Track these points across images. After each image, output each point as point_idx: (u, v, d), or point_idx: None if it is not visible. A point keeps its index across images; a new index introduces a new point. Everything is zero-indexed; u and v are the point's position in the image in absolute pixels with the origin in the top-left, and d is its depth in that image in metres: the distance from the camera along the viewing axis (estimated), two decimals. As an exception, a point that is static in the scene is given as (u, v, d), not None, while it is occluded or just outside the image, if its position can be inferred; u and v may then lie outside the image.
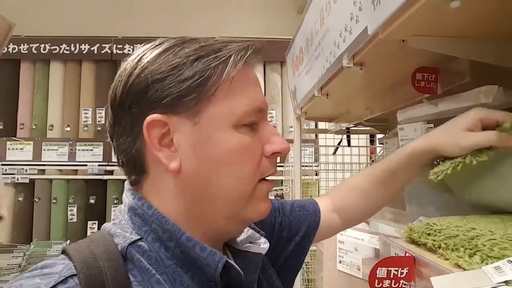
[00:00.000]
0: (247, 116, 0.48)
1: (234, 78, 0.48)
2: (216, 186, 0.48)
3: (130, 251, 0.45)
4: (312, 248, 1.68)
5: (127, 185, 0.52)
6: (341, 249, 1.08)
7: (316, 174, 2.22)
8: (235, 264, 0.48)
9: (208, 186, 0.47)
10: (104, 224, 0.50)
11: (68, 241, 2.49)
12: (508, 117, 0.53)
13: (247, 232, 0.56)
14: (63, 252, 0.45)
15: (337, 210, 0.74)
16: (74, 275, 0.41)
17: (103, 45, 2.73)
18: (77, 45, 2.71)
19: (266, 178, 0.51)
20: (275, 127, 2.73)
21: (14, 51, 2.71)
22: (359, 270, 1.01)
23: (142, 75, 0.47)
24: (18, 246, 2.42)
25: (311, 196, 2.13)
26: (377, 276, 0.45)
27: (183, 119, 0.47)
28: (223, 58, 0.47)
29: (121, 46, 2.73)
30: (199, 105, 0.47)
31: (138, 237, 0.46)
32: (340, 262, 1.08)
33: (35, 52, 2.72)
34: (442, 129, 0.61)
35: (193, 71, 0.46)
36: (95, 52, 2.72)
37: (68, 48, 2.71)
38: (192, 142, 0.47)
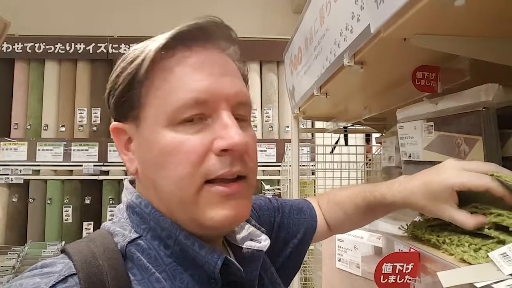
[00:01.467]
0: (180, 111, 0.44)
1: (161, 73, 0.46)
2: (160, 189, 0.46)
3: (130, 249, 0.45)
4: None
5: (126, 183, 0.53)
6: (340, 247, 1.08)
7: (313, 173, 2.23)
8: (234, 261, 0.48)
9: (156, 190, 0.47)
10: (104, 223, 0.50)
11: (63, 242, 2.47)
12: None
13: (248, 229, 0.56)
14: (63, 251, 0.45)
15: (325, 219, 0.76)
16: (74, 274, 0.41)
17: (98, 45, 2.70)
18: (72, 44, 2.69)
19: (222, 179, 0.45)
20: (271, 127, 2.73)
21: (8, 50, 2.67)
22: (359, 268, 1.01)
23: (108, 84, 0.50)
24: (12, 248, 2.39)
25: (307, 195, 2.14)
26: (383, 272, 0.45)
27: (131, 125, 0.49)
28: (143, 55, 0.47)
29: (116, 45, 2.71)
30: (136, 110, 0.48)
31: (137, 235, 0.47)
32: (339, 260, 1.09)
33: (29, 51, 2.69)
34: (423, 193, 0.54)
35: (121, 78, 0.48)
36: (91, 51, 2.70)
37: (63, 47, 2.69)
38: (138, 146, 0.49)
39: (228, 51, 0.51)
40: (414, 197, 0.55)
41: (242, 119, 0.49)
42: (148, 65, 0.46)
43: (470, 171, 0.50)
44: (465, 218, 0.49)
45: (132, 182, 0.53)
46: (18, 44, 2.68)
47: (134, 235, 0.46)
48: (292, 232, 0.70)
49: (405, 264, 0.46)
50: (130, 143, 0.50)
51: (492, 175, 0.47)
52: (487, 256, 0.39)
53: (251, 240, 0.54)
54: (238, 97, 0.47)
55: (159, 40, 0.47)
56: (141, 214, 0.48)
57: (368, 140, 2.11)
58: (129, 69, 0.47)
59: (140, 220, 0.48)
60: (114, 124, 0.50)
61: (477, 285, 0.32)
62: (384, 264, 0.45)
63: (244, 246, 0.53)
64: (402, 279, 0.46)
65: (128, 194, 0.50)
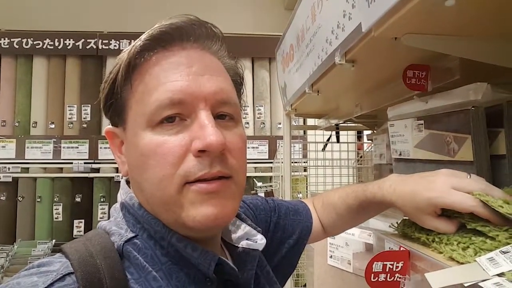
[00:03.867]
0: (157, 113, 0.44)
1: (139, 76, 0.46)
2: (144, 191, 0.47)
3: (127, 248, 0.45)
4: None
5: (123, 182, 0.53)
6: (331, 244, 1.09)
7: (305, 170, 2.24)
8: (228, 261, 0.48)
9: (142, 191, 0.47)
10: (100, 222, 0.50)
11: (54, 241, 2.44)
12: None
13: (244, 228, 0.56)
14: (60, 250, 0.45)
15: (320, 220, 0.76)
16: (72, 273, 0.41)
17: (88, 40, 2.66)
18: (61, 40, 2.64)
19: (205, 179, 0.44)
20: (263, 123, 2.73)
21: (-6, 46, 2.62)
22: (350, 264, 1.02)
23: (100, 90, 0.51)
24: (1, 247, 2.36)
25: (299, 192, 2.15)
26: (373, 270, 0.46)
27: (120, 128, 0.50)
28: (121, 60, 0.48)
29: (107, 41, 2.66)
30: (122, 114, 0.49)
31: (133, 234, 0.47)
32: (331, 257, 1.09)
33: (16, 46, 2.63)
34: (409, 201, 0.54)
35: (106, 83, 0.49)
36: (80, 47, 2.65)
37: (52, 43, 2.63)
38: (126, 148, 0.50)
39: (212, 49, 0.50)
40: (401, 203, 0.56)
41: (227, 118, 0.48)
42: (124, 69, 0.46)
43: (460, 189, 0.49)
44: (446, 226, 0.50)
45: (128, 182, 0.53)
46: (4, 39, 2.62)
47: (131, 234, 0.46)
48: (288, 232, 0.71)
49: (395, 263, 0.46)
50: (122, 146, 0.51)
51: (478, 194, 0.47)
52: (475, 254, 0.40)
53: (247, 239, 0.54)
54: (218, 96, 0.46)
55: (136, 43, 0.47)
56: (135, 215, 0.48)
57: (359, 137, 2.13)
58: (111, 74, 0.48)
59: (135, 220, 0.48)
60: (107, 128, 0.52)
61: (466, 284, 0.33)
62: (374, 262, 0.46)
63: (240, 246, 0.54)
64: (392, 278, 0.46)
65: (123, 194, 0.51)
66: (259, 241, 0.54)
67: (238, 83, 0.54)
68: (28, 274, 0.41)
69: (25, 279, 0.39)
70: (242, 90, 0.55)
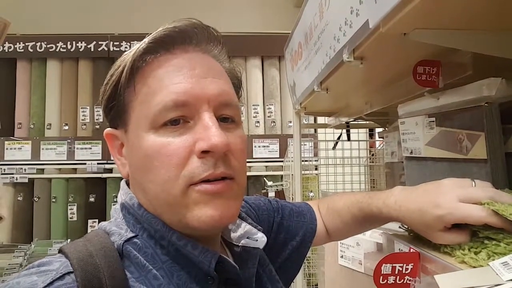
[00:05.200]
0: (161, 114, 0.44)
1: (142, 78, 0.47)
2: (147, 192, 0.47)
3: (127, 248, 0.45)
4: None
5: (123, 183, 0.53)
6: (342, 243, 1.08)
7: (316, 169, 2.22)
8: (228, 259, 0.48)
9: (144, 192, 0.47)
10: (100, 223, 0.51)
11: (69, 240, 2.49)
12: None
13: (245, 227, 0.56)
14: (60, 251, 0.45)
15: (324, 225, 0.75)
16: (71, 272, 0.41)
17: (99, 43, 2.70)
18: (74, 43, 2.68)
19: (210, 180, 0.44)
20: (274, 122, 2.72)
21: (10, 50, 2.68)
22: (361, 264, 1.01)
23: (100, 92, 0.52)
24: (19, 246, 2.42)
25: (310, 191, 2.14)
26: (382, 273, 0.45)
27: (121, 130, 0.50)
28: (124, 62, 0.48)
29: (118, 43, 2.71)
30: (123, 116, 0.49)
31: (133, 234, 0.47)
32: (341, 256, 1.08)
33: (31, 50, 2.69)
34: (418, 220, 0.52)
35: (108, 85, 0.49)
36: (92, 49, 2.70)
37: (64, 46, 2.68)
38: (127, 150, 0.50)
39: (213, 53, 0.51)
40: (409, 221, 0.55)
41: (229, 120, 0.49)
42: (128, 71, 0.47)
43: (467, 200, 0.48)
44: (459, 238, 0.48)
45: (128, 183, 0.53)
46: (19, 44, 2.68)
47: (131, 234, 0.47)
48: (292, 234, 0.70)
49: (405, 265, 0.45)
50: (122, 148, 0.51)
51: (487, 203, 0.45)
52: (488, 258, 0.38)
53: (247, 238, 0.55)
54: (220, 98, 0.47)
55: (139, 46, 0.47)
56: (135, 215, 0.48)
57: (371, 135, 2.10)
58: (114, 76, 0.49)
59: (135, 220, 0.48)
60: (107, 130, 0.52)
61: (477, 289, 0.31)
62: (383, 264, 0.45)
63: (240, 244, 0.54)
64: (402, 280, 0.45)
65: (123, 195, 0.51)
66: (260, 239, 0.54)
67: (236, 86, 0.54)
68: (28, 273, 0.41)
69: (25, 279, 0.40)
70: (240, 93, 0.56)
